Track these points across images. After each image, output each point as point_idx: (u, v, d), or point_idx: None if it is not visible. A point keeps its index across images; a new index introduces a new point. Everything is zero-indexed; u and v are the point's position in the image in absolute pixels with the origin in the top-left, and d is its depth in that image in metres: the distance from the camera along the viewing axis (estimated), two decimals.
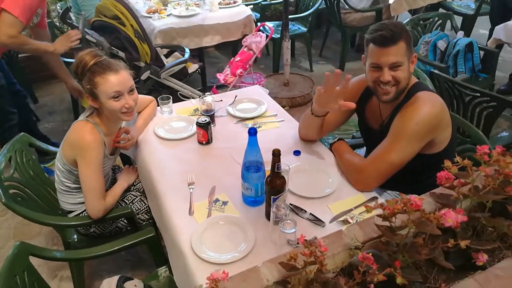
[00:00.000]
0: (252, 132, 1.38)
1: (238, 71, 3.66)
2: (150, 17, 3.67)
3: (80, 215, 1.81)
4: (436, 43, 3.10)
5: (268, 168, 1.36)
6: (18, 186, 1.77)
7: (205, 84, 4.12)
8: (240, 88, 3.74)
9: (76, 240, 1.90)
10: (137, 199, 1.92)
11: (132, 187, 2.00)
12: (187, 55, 3.24)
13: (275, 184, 1.34)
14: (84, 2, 3.42)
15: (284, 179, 1.35)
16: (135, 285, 1.45)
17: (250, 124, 2.02)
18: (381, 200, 1.50)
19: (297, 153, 1.79)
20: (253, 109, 2.14)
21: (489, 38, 3.26)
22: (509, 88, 3.65)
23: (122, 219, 1.86)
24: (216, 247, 1.33)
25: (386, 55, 1.47)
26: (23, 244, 1.36)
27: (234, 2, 3.95)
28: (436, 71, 2.36)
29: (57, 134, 3.28)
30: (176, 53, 3.49)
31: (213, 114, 2.00)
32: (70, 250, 1.88)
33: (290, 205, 1.47)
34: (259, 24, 3.91)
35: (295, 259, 0.81)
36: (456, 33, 3.23)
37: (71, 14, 3.13)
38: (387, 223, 0.88)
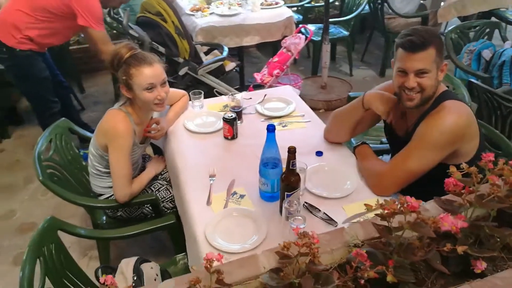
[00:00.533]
0: (271, 128, 1.41)
1: (275, 72, 3.71)
2: (193, 15, 3.78)
3: (109, 198, 1.92)
4: (481, 52, 2.99)
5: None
6: (55, 167, 1.90)
7: (243, 82, 4.19)
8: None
9: (104, 222, 2.01)
10: (163, 187, 2.00)
11: (159, 176, 2.09)
12: (225, 53, 3.32)
13: (289, 181, 1.37)
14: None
15: (298, 177, 1.37)
16: (152, 267, 1.52)
17: (277, 122, 2.05)
18: None
19: (319, 153, 1.80)
20: (281, 108, 2.17)
21: None
22: None
23: (148, 205, 1.95)
24: (228, 237, 1.37)
25: (413, 61, 1.45)
26: (52, 218, 1.46)
27: (276, 3, 3.99)
28: (475, 81, 2.28)
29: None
30: (216, 51, 3.58)
31: (241, 110, 2.05)
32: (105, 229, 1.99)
33: (305, 203, 1.49)
34: (300, 26, 3.94)
35: (288, 248, 0.84)
36: (504, 42, 3.10)
37: (120, 10, 3.29)
38: (385, 223, 0.89)
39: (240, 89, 3.83)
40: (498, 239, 0.90)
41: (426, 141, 1.46)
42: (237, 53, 4.11)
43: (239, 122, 2.00)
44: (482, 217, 0.98)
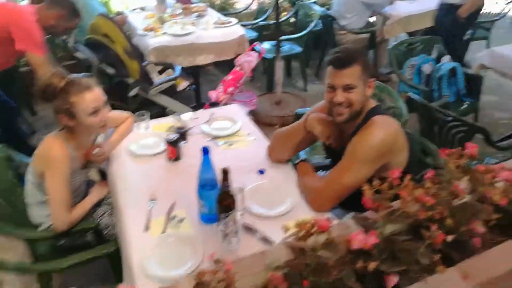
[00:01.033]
0: (205, 151, 1.42)
1: (230, 90, 3.74)
2: (146, 35, 3.76)
3: (49, 228, 1.85)
4: (421, 67, 3.13)
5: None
6: None
7: (199, 101, 4.19)
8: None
9: (45, 252, 1.93)
10: (107, 213, 1.95)
11: (103, 201, 2.04)
12: (177, 73, 3.32)
13: (224, 202, 1.37)
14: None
15: (233, 198, 1.37)
16: None
17: (222, 141, 2.06)
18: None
19: (261, 172, 1.82)
20: (227, 128, 2.18)
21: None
22: None
23: (91, 232, 1.90)
24: (164, 264, 1.35)
25: (340, 77, 1.53)
26: None
27: (229, 22, 4.04)
28: (412, 95, 2.38)
29: None
30: (169, 71, 3.58)
31: (185, 131, 2.04)
32: (39, 262, 1.91)
33: (244, 224, 1.49)
34: (253, 44, 4.00)
35: (203, 276, 0.84)
36: (441, 58, 3.25)
37: None
38: (301, 244, 0.90)
39: (197, 107, 3.82)
40: (411, 253, 0.93)
41: (358, 156, 1.51)
42: (192, 71, 4.12)
43: (183, 142, 1.99)
44: (399, 231, 1.01)
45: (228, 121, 2.24)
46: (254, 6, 5.64)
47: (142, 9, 4.52)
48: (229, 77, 3.83)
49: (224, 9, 5.43)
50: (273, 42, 4.58)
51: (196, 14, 4.29)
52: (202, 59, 3.91)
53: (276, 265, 0.97)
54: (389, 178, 0.93)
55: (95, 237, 1.91)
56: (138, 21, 4.11)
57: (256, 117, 3.91)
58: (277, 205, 1.60)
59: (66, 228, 1.74)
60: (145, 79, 3.13)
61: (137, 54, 3.06)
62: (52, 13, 2.65)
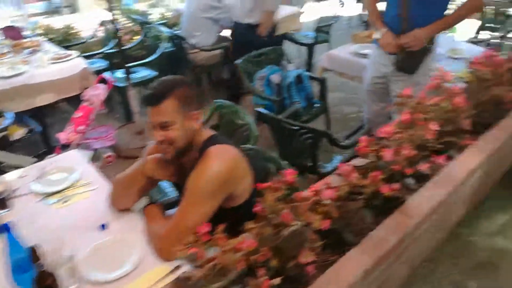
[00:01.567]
0: (6, 228, 1.16)
1: (80, 128, 3.40)
2: None
3: None
4: (270, 78, 3.20)
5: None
6: None
7: (49, 145, 3.74)
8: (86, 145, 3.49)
9: None
10: None
11: None
12: (7, 122, 2.88)
13: (44, 283, 1.14)
14: None
15: (53, 276, 1.15)
16: None
17: (56, 199, 1.78)
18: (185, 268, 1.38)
19: (103, 227, 1.60)
20: (62, 180, 1.90)
21: None
22: None
23: None
24: None
25: (155, 115, 1.43)
26: None
27: (67, 56, 3.68)
28: (260, 110, 2.39)
29: None
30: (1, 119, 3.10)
31: (4, 197, 1.72)
32: None
33: None
34: (99, 75, 3.70)
35: None
36: (287, 65, 3.38)
37: None
38: None
39: (47, 153, 3.38)
40: None
41: (197, 193, 1.41)
42: (36, 114, 3.66)
43: (5, 211, 1.67)
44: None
45: (65, 173, 1.96)
46: (101, 33, 5.29)
47: None
48: (78, 114, 3.48)
49: (67, 41, 4.98)
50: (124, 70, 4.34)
51: (28, 50, 3.83)
52: (43, 99, 3.49)
53: None
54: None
55: None
56: None
57: (117, 151, 3.63)
58: (122, 264, 1.41)
59: None
60: None
61: None
62: None
